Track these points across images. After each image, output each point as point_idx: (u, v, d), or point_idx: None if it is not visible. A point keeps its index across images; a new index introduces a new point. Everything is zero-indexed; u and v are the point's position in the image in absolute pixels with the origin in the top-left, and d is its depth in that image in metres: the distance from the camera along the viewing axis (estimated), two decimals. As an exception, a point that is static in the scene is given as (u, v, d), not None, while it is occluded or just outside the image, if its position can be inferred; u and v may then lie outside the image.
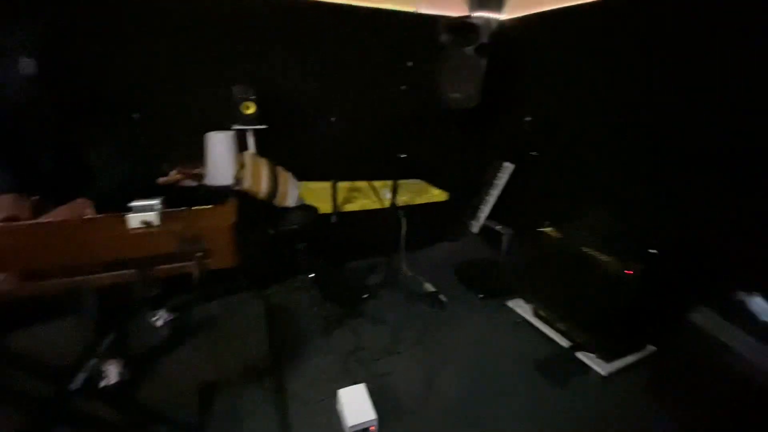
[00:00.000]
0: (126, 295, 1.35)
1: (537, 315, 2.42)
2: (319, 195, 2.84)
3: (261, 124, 2.94)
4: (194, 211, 1.24)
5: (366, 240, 3.03)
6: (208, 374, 1.71)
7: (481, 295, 2.74)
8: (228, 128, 2.51)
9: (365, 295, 2.62)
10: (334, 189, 2.58)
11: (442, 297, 2.64)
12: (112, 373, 1.59)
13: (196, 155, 2.37)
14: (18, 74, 1.99)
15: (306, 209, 2.46)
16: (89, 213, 1.39)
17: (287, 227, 2.22)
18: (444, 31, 2.91)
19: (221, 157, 2.32)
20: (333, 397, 1.71)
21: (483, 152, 3.40)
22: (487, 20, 2.72)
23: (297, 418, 1.65)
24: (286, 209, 2.45)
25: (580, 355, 2.08)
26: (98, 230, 1.08)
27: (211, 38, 2.62)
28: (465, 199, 3.40)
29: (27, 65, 2.01)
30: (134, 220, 1.12)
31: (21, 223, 1.31)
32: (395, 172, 2.79)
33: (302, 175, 2.78)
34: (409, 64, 3.19)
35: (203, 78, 2.68)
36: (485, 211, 3.61)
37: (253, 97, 2.83)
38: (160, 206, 1.14)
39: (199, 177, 2.30)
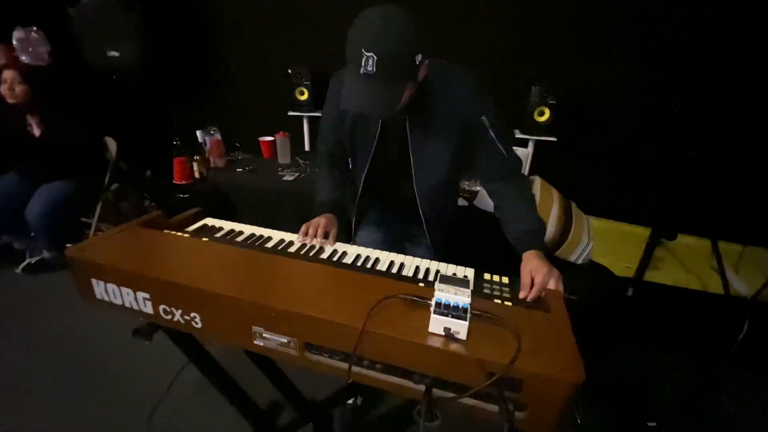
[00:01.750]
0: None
1: None
2: (607, 244, 2.03)
3: (549, 135, 2.31)
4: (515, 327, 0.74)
5: (664, 324, 2.03)
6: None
7: None
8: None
9: (652, 424, 1.71)
10: (652, 246, 1.71)
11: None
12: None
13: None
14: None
15: (597, 271, 1.72)
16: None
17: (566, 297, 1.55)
18: None
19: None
20: None
21: None
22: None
23: None
24: (569, 266, 1.78)
25: None
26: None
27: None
28: None
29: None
30: (437, 323, 0.72)
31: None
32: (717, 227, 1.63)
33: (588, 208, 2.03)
34: None
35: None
36: None
37: (552, 101, 2.21)
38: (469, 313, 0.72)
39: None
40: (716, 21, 1.95)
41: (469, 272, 1.07)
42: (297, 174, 2.28)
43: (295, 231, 1.16)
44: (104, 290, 0.93)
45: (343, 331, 0.75)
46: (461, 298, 0.74)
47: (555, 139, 2.28)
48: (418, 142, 1.14)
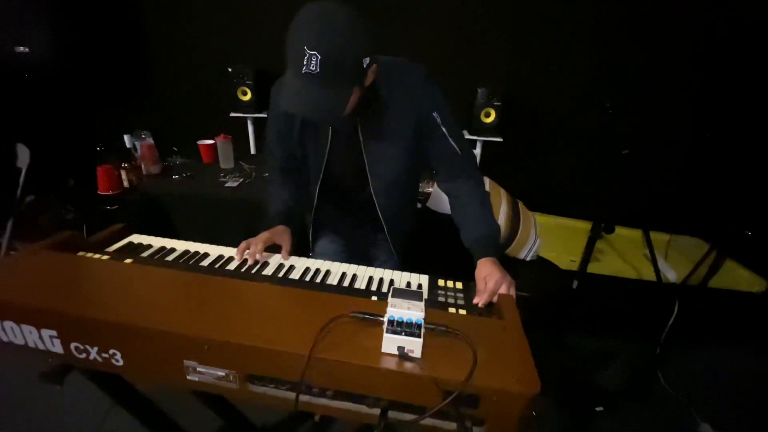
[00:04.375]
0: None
1: None
2: (551, 239, 2.11)
3: (496, 136, 2.37)
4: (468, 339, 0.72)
5: (605, 312, 2.15)
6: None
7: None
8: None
9: (599, 408, 1.81)
10: (593, 240, 1.79)
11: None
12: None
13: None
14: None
15: (544, 267, 1.78)
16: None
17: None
18: None
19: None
20: None
21: None
22: None
23: None
24: (519, 263, 1.82)
25: None
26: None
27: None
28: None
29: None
30: (390, 342, 0.68)
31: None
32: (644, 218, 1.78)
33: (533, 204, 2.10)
34: None
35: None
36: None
37: (497, 103, 2.26)
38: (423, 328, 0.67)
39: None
40: (646, 30, 2.11)
41: (423, 280, 1.04)
42: (240, 180, 2.14)
43: (239, 243, 1.07)
44: (1, 329, 0.78)
45: (289, 359, 0.68)
46: (415, 313, 0.70)
47: (501, 140, 2.34)
48: (371, 144, 1.09)
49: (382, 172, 1.14)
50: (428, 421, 0.70)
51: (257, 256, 1.02)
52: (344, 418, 0.73)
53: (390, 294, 0.75)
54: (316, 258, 1.10)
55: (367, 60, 0.87)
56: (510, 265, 1.95)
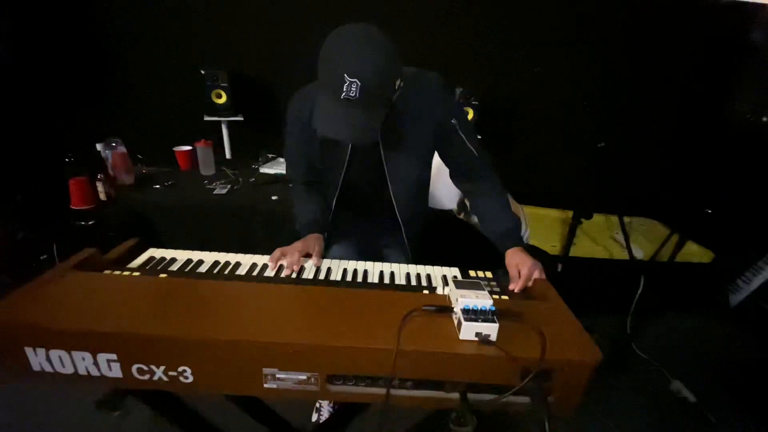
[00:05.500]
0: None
1: None
2: (533, 228, 2.28)
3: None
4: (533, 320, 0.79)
5: (584, 291, 2.36)
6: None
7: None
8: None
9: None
10: (574, 226, 1.96)
11: (710, 417, 1.83)
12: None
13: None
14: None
15: (536, 253, 1.91)
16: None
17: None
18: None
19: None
20: None
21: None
22: None
23: None
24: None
25: None
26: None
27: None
28: (727, 261, 2.43)
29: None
30: (468, 329, 0.73)
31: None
32: (618, 204, 2.00)
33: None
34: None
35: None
36: (756, 282, 2.57)
37: (475, 102, 2.38)
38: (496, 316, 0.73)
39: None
40: (619, 32, 2.31)
41: (455, 271, 1.10)
42: (229, 186, 2.07)
43: (240, 251, 1.06)
44: (45, 359, 0.72)
45: (371, 355, 0.71)
46: (484, 301, 0.76)
47: (480, 137, 2.46)
48: (391, 151, 1.13)
49: (402, 178, 1.18)
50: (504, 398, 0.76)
51: (295, 267, 1.02)
52: (423, 406, 0.77)
53: (453, 286, 0.80)
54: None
55: (399, 81, 0.91)
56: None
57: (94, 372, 0.73)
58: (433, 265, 1.12)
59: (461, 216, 1.99)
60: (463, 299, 0.75)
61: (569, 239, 2.01)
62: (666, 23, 2.28)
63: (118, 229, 1.83)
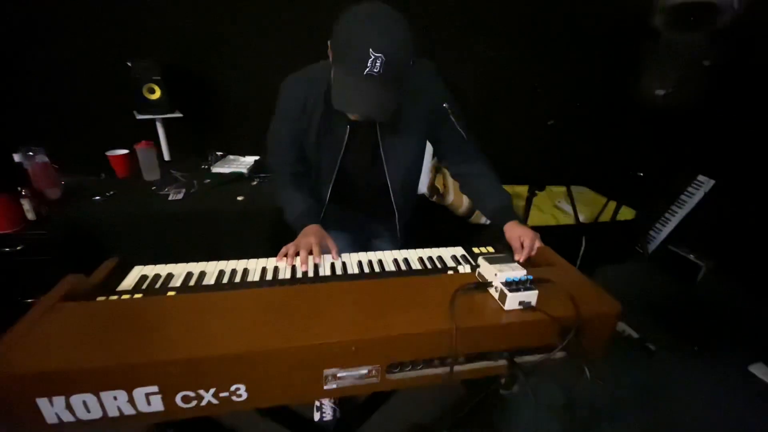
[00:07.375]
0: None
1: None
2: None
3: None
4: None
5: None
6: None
7: (696, 348, 2.23)
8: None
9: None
10: (530, 198, 2.14)
11: (651, 347, 2.17)
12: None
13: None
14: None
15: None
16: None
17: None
18: (661, 11, 2.30)
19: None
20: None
21: (674, 160, 2.77)
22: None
23: None
24: (482, 228, 2.08)
25: None
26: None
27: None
28: (644, 216, 2.85)
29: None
30: (513, 300, 0.78)
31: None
32: (565, 176, 2.27)
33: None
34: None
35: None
36: (665, 231, 3.04)
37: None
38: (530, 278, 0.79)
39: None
40: (567, 19, 2.49)
41: (459, 251, 1.15)
42: (183, 190, 1.89)
43: (210, 258, 1.00)
44: (64, 408, 0.62)
45: (429, 339, 0.73)
46: (518, 272, 0.82)
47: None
48: (388, 135, 1.13)
49: (398, 162, 1.19)
50: (543, 356, 0.83)
51: (317, 259, 0.99)
52: (473, 377, 0.81)
53: (485, 262, 0.85)
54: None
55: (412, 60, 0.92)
56: (475, 230, 2.19)
57: (128, 411, 0.65)
58: (415, 248, 1.14)
59: (434, 199, 2.05)
60: (501, 273, 0.80)
61: (527, 210, 2.20)
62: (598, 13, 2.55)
63: (56, 253, 1.58)
